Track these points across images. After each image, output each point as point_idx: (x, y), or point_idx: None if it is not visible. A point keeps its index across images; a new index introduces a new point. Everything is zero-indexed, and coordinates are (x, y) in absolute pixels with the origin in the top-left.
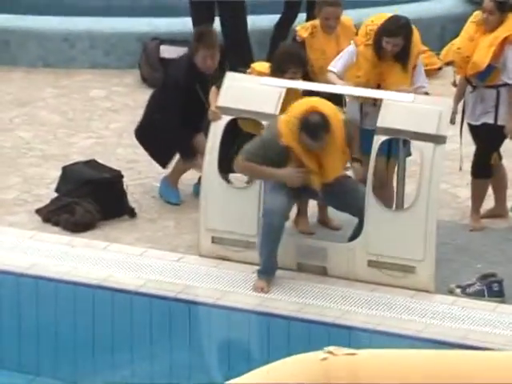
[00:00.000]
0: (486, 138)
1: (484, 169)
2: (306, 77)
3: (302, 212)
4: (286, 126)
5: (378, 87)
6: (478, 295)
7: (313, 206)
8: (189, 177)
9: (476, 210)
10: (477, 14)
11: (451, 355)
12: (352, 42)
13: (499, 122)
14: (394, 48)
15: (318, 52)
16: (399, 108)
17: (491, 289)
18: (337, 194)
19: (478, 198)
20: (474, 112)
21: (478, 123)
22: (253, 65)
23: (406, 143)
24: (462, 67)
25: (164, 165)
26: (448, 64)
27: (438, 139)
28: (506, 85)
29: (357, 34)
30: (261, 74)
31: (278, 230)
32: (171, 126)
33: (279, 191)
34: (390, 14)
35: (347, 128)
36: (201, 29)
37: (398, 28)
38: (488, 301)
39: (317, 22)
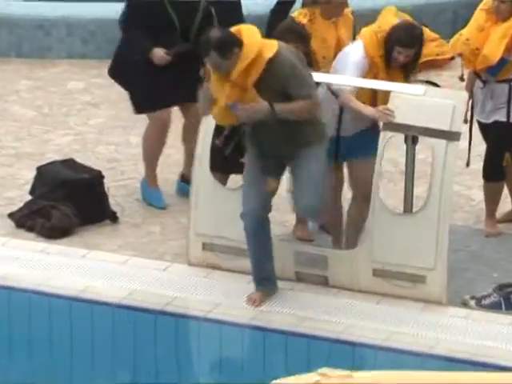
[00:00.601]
0: (498, 137)
1: (496, 171)
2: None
3: (300, 217)
4: None
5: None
6: (495, 307)
7: None
8: (176, 177)
9: (491, 214)
10: (487, 1)
11: (457, 377)
12: (363, 52)
13: None
14: (405, 59)
15: (319, 40)
16: (409, 101)
17: (509, 300)
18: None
19: (492, 201)
20: (484, 109)
21: (489, 121)
22: None
23: (416, 140)
24: (471, 60)
25: (138, 111)
26: (459, 55)
27: (451, 136)
28: None
29: (357, 32)
30: None
31: (254, 232)
32: (135, 55)
33: (247, 191)
34: (392, 16)
35: (278, 71)
36: None
37: (413, 39)
38: (505, 314)
39: (314, 8)
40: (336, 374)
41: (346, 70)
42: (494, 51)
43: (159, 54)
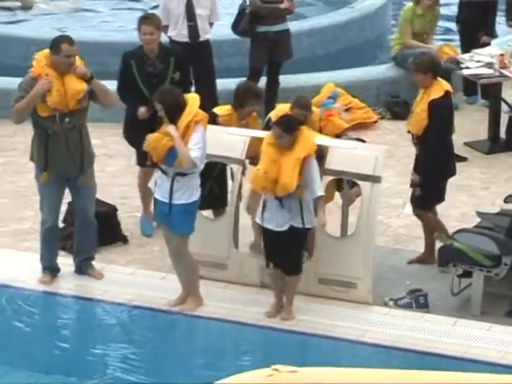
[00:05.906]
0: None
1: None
2: None
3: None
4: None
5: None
6: (408, 307)
7: None
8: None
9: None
10: (270, 137)
11: (389, 374)
12: None
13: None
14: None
15: None
16: (344, 153)
17: (418, 301)
18: None
19: None
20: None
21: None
22: (214, 110)
23: (348, 183)
24: (272, 189)
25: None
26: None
27: (374, 179)
28: None
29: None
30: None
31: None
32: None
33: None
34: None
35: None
36: (145, 14)
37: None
38: (415, 311)
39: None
40: (285, 369)
41: None
42: (290, 182)
43: (141, 110)
